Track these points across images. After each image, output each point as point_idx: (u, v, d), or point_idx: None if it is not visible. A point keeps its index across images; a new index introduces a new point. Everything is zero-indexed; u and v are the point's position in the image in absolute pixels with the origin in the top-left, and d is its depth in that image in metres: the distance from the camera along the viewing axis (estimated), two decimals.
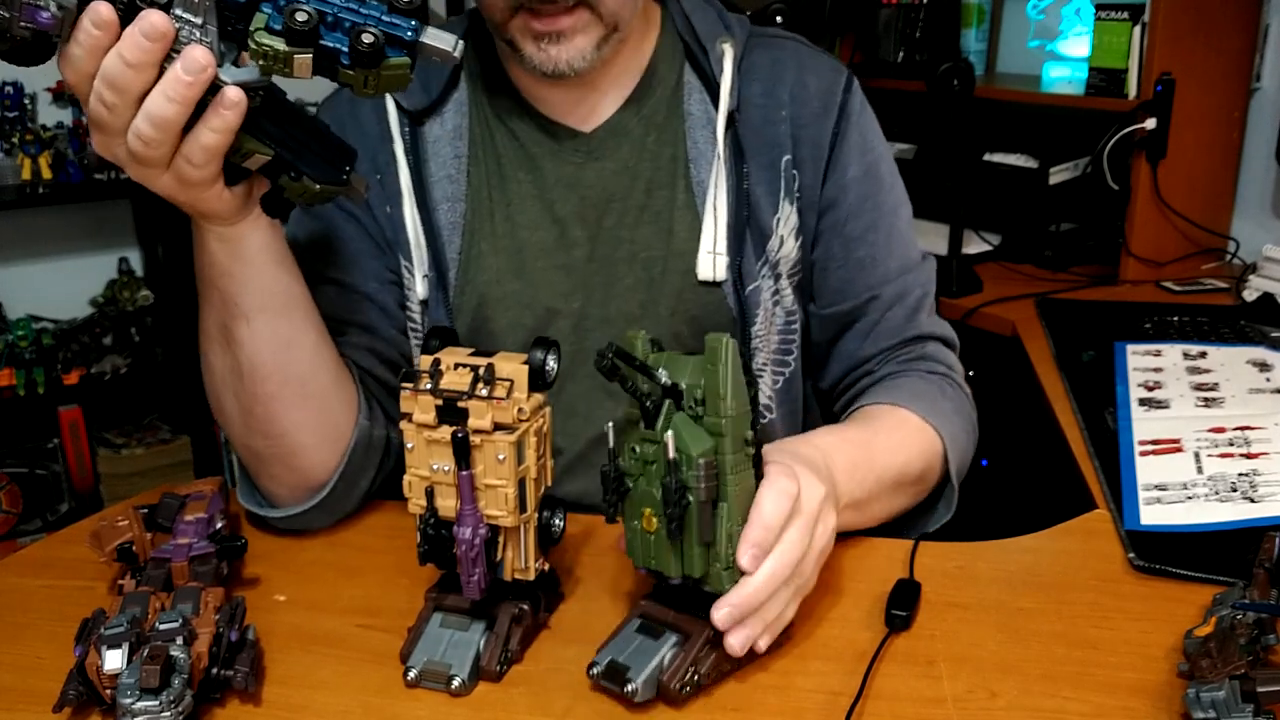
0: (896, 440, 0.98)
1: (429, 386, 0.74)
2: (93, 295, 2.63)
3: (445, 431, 0.73)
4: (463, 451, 0.73)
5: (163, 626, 0.71)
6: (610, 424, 0.74)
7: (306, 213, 1.06)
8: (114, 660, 0.68)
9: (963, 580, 0.88)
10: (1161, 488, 1.02)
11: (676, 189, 1.04)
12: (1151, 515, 0.97)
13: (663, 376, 0.72)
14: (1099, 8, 1.92)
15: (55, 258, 2.61)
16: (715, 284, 1.03)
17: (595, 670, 0.73)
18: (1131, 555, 0.90)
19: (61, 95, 2.49)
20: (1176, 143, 1.88)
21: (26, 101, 2.44)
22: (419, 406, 0.74)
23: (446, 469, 0.74)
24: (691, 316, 1.04)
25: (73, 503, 2.59)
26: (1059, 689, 0.74)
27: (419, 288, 1.04)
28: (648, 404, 0.72)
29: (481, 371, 0.73)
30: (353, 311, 1.04)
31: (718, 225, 1.02)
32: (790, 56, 1.06)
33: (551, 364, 0.76)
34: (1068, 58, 2.21)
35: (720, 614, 0.72)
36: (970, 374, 1.13)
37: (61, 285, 2.59)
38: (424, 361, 0.76)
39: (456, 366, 0.75)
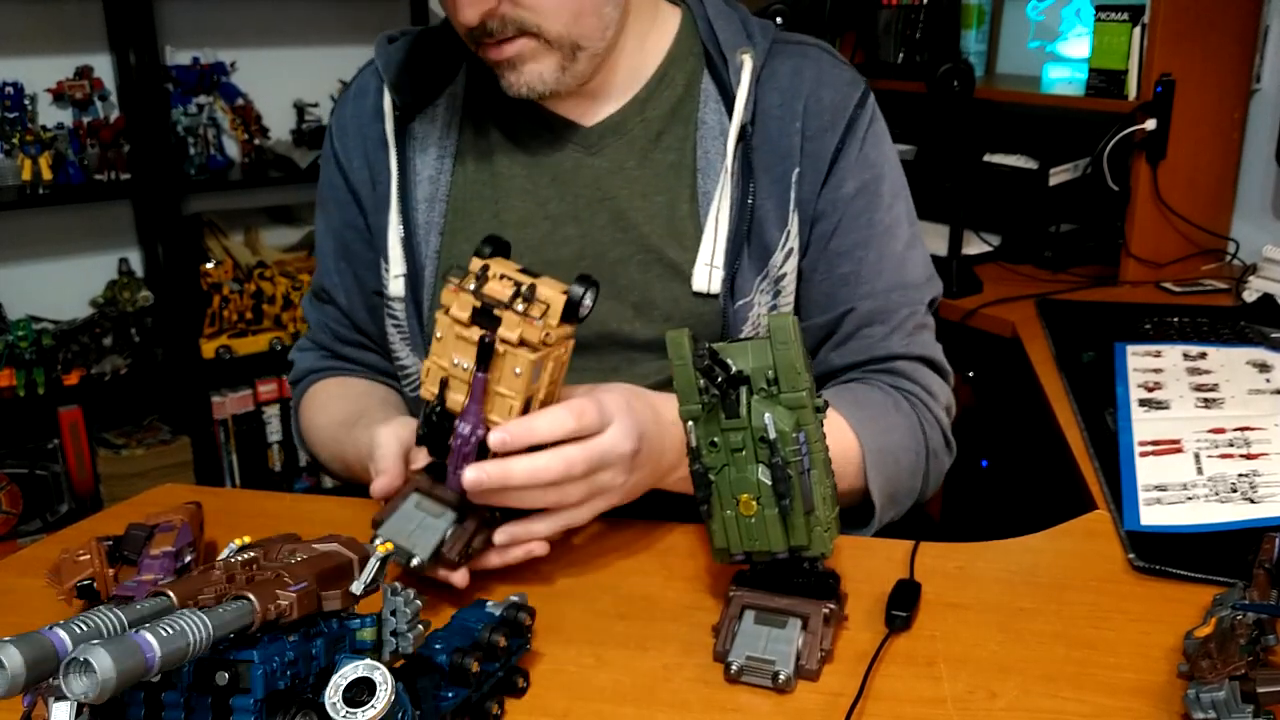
0: None
1: (472, 288, 0.77)
2: (93, 296, 2.62)
3: (474, 332, 0.77)
4: (485, 355, 0.77)
5: None
6: (690, 423, 0.75)
7: (328, 224, 1.12)
8: (61, 715, 0.60)
9: (963, 580, 0.88)
10: (1161, 488, 1.02)
11: (680, 197, 1.02)
12: (1151, 516, 0.97)
13: (732, 366, 0.74)
14: (1099, 9, 1.92)
15: (55, 258, 2.60)
16: (711, 295, 1.02)
17: (735, 668, 0.75)
18: (1131, 556, 0.90)
19: (61, 95, 2.48)
20: (1176, 143, 1.88)
21: (26, 102, 2.43)
22: (458, 303, 0.78)
23: (465, 366, 0.78)
24: (685, 323, 1.02)
25: (73, 503, 2.59)
26: (1059, 689, 0.74)
27: (393, 287, 1.05)
28: (730, 396, 0.74)
29: (524, 289, 0.77)
30: (373, 321, 1.13)
31: (717, 238, 1.01)
32: (811, 66, 1.04)
33: (588, 301, 0.79)
34: (1068, 59, 2.21)
35: (494, 438, 0.77)
36: (970, 375, 1.13)
37: (61, 285, 2.59)
38: (474, 264, 0.79)
39: (502, 277, 0.78)
